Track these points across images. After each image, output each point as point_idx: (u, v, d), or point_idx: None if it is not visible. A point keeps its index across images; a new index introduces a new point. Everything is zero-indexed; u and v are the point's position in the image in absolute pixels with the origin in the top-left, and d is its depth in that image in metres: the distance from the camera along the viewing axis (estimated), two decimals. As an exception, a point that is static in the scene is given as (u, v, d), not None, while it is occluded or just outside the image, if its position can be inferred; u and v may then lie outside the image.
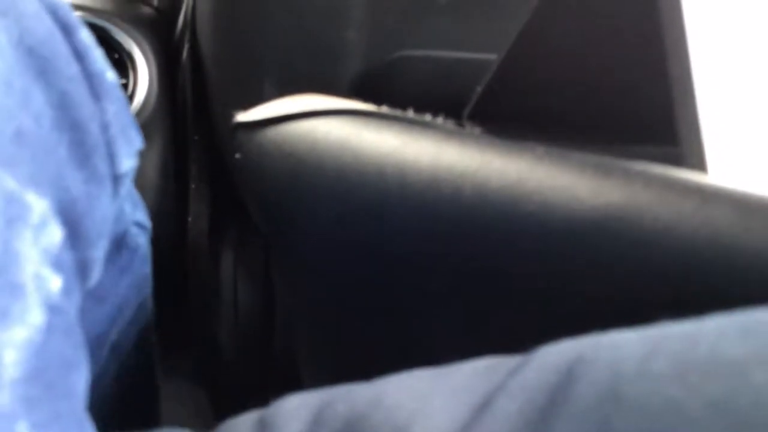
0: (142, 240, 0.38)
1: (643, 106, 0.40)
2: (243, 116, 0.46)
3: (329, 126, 0.42)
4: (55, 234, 0.25)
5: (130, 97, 0.75)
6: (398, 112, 0.42)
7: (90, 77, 0.29)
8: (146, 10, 0.78)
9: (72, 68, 0.28)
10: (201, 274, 0.78)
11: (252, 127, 0.45)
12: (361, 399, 0.28)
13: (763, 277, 0.26)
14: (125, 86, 0.75)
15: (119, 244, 0.35)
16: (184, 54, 0.74)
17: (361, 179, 0.39)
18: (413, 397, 0.27)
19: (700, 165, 0.36)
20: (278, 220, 0.45)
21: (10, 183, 0.23)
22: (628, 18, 0.40)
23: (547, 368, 0.24)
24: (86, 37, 0.30)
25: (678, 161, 0.36)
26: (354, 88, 0.65)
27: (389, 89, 0.65)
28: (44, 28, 0.28)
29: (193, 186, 0.78)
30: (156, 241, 0.79)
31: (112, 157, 0.30)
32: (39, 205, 0.24)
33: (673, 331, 0.22)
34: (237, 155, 0.46)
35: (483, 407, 0.25)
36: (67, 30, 0.29)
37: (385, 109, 0.43)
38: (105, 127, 0.30)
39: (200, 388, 0.83)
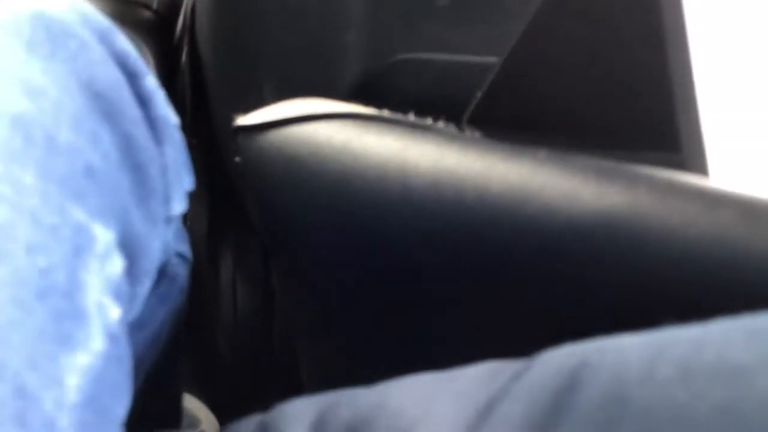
0: (181, 270, 0.39)
1: (645, 111, 0.40)
2: (243, 120, 0.46)
3: (330, 129, 0.42)
4: (117, 265, 0.26)
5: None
6: (399, 116, 0.42)
7: (153, 121, 0.31)
8: (145, 13, 0.78)
9: (135, 112, 0.30)
10: (200, 278, 0.78)
11: (252, 130, 0.45)
12: (365, 403, 0.28)
13: (768, 280, 0.26)
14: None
15: (160, 273, 0.36)
16: (183, 57, 0.74)
17: (363, 183, 0.39)
18: (417, 401, 0.27)
19: (701, 171, 0.36)
20: (278, 224, 0.45)
21: (79, 214, 0.25)
22: (630, 22, 0.40)
23: (551, 372, 0.24)
24: (151, 83, 0.32)
25: (680, 167, 0.36)
26: (353, 92, 0.65)
27: (389, 93, 0.65)
28: (110, 74, 0.30)
29: (192, 189, 0.78)
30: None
31: (167, 200, 0.32)
32: (104, 236, 0.26)
33: (678, 335, 0.22)
34: (237, 159, 0.46)
35: (487, 411, 0.25)
36: (132, 77, 0.31)
37: (386, 112, 0.43)
38: (164, 171, 0.31)
39: (199, 393, 0.83)
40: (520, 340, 0.28)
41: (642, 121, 0.40)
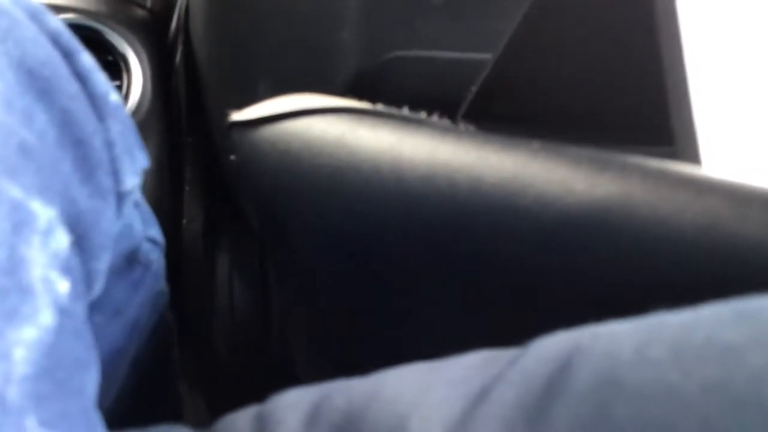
0: (155, 256, 0.39)
1: (638, 105, 0.40)
2: (238, 115, 0.46)
3: (324, 124, 0.42)
4: (62, 240, 0.26)
5: (125, 99, 0.75)
6: (393, 110, 0.42)
7: (93, 98, 0.31)
8: (140, 12, 0.78)
9: (73, 87, 0.30)
10: (196, 276, 0.78)
11: (247, 126, 0.45)
12: (359, 392, 0.28)
13: (760, 266, 0.26)
14: (119, 88, 0.75)
15: (131, 259, 0.36)
16: (178, 56, 0.74)
17: (357, 176, 0.39)
18: (411, 389, 0.27)
19: (694, 163, 0.37)
20: (274, 220, 0.45)
21: (15, 191, 0.24)
22: (623, 17, 0.40)
23: (545, 358, 0.24)
24: (87, 60, 0.31)
25: (673, 161, 0.36)
26: (348, 89, 0.65)
27: (383, 90, 0.65)
28: (43, 51, 0.29)
29: (187, 188, 0.78)
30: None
31: (116, 174, 0.32)
32: (45, 212, 0.25)
33: (669, 319, 0.22)
34: (232, 157, 0.46)
35: (481, 397, 0.25)
36: (67, 54, 0.31)
37: (380, 106, 0.43)
38: (110, 145, 0.31)
39: (197, 390, 0.83)
40: (515, 330, 0.28)
41: (635, 116, 0.40)
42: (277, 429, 0.30)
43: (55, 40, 0.30)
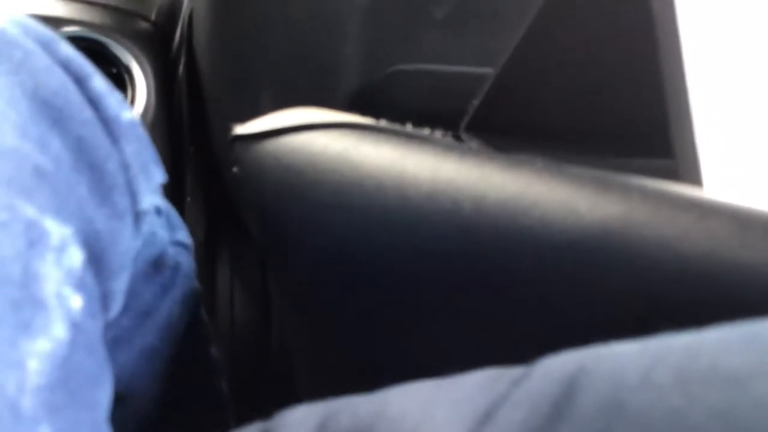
0: (183, 258, 0.39)
1: (638, 119, 0.40)
2: (241, 129, 0.46)
3: (327, 139, 0.42)
4: (76, 257, 0.27)
5: (127, 111, 0.75)
6: (397, 126, 0.42)
7: (106, 122, 0.31)
8: (144, 25, 0.79)
9: (85, 114, 0.31)
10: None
11: (250, 139, 0.45)
12: (365, 410, 0.28)
13: (763, 290, 0.26)
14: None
15: (157, 264, 0.37)
16: (181, 68, 0.74)
17: (360, 192, 0.39)
18: (417, 408, 0.27)
19: (695, 178, 0.37)
20: (276, 233, 0.45)
21: (29, 210, 0.25)
22: (624, 31, 0.41)
23: (550, 379, 0.24)
24: (100, 84, 0.32)
25: (673, 174, 0.37)
26: (351, 103, 0.65)
27: (386, 104, 0.65)
28: (56, 80, 0.30)
29: (188, 199, 0.78)
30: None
31: (132, 195, 0.32)
32: (59, 230, 0.26)
33: (674, 342, 0.23)
34: (234, 169, 0.47)
35: (486, 418, 0.25)
36: (79, 80, 0.31)
37: (383, 122, 0.43)
38: (125, 167, 0.32)
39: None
40: (518, 349, 0.28)
41: (636, 129, 0.41)
42: (282, 447, 0.30)
43: (67, 67, 0.31)
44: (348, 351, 0.45)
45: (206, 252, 0.79)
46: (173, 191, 0.80)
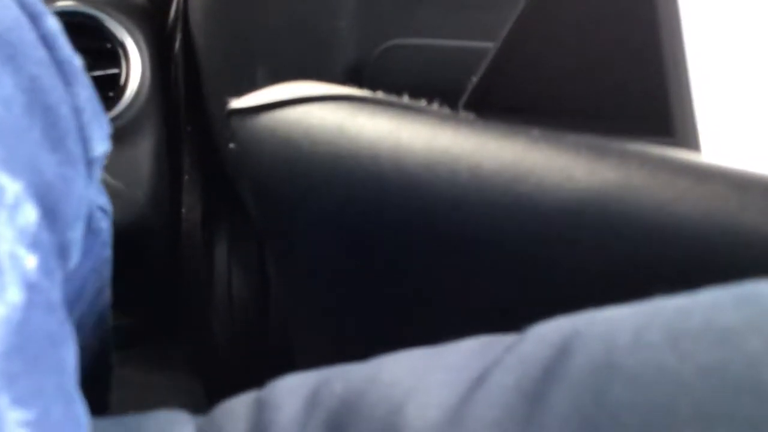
0: (104, 224, 0.38)
1: (639, 95, 0.40)
2: (237, 103, 0.46)
3: (324, 111, 0.42)
4: (30, 214, 0.25)
5: (123, 87, 0.75)
6: (393, 98, 0.42)
7: (59, 63, 0.30)
8: (139, 0, 0.78)
9: (40, 53, 0.29)
10: (195, 265, 0.79)
11: (246, 113, 0.45)
12: (357, 377, 0.28)
13: (759, 252, 0.26)
14: (118, 76, 0.75)
15: (84, 228, 0.36)
16: (177, 44, 0.74)
17: (357, 164, 0.39)
18: (409, 374, 0.27)
19: (693, 148, 0.37)
20: (273, 207, 0.45)
21: None
22: (623, 6, 0.40)
23: (543, 343, 0.24)
24: (53, 24, 0.31)
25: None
26: (346, 77, 0.65)
27: (382, 78, 0.65)
28: (10, 15, 0.28)
29: (186, 177, 0.78)
30: (150, 231, 0.79)
31: (85, 141, 0.31)
32: (12, 186, 0.25)
33: (666, 303, 0.22)
34: (231, 145, 0.46)
35: (479, 381, 0.25)
36: (33, 17, 0.30)
37: (379, 94, 0.43)
38: (78, 112, 0.30)
39: (195, 378, 0.83)
40: (514, 316, 0.28)
41: (636, 106, 0.40)
42: (276, 414, 0.30)
43: (21, 3, 0.29)
44: (346, 325, 0.45)
45: (204, 229, 0.79)
46: (171, 169, 0.80)
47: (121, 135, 0.75)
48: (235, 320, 0.79)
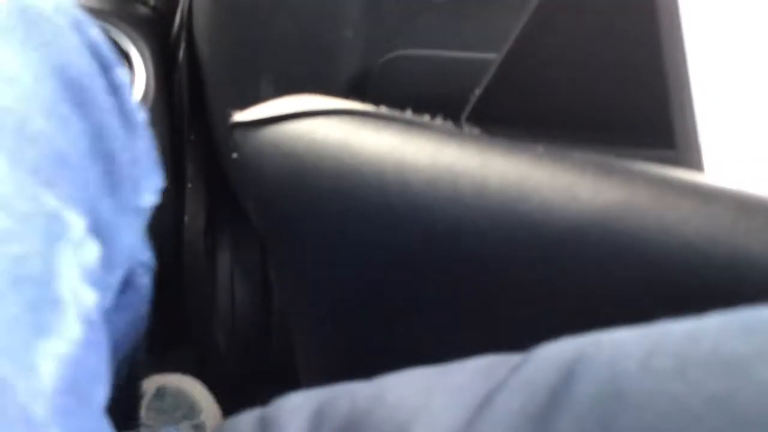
0: (145, 280, 0.38)
1: (641, 108, 0.40)
2: (240, 116, 0.46)
3: (328, 126, 0.42)
4: (93, 252, 0.26)
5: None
6: (397, 113, 0.42)
7: (124, 114, 0.31)
8: (143, 9, 0.78)
9: (107, 101, 0.30)
10: (198, 274, 0.78)
11: (250, 126, 0.45)
12: (363, 396, 0.28)
13: (765, 276, 0.26)
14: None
15: (125, 282, 0.36)
16: (181, 53, 0.74)
17: (360, 179, 0.39)
18: (415, 395, 0.27)
19: (697, 168, 0.37)
20: (276, 220, 0.45)
21: (52, 201, 0.25)
22: (626, 20, 0.40)
23: (548, 366, 0.24)
24: (122, 75, 0.31)
25: (675, 164, 0.36)
26: (351, 88, 0.65)
27: (386, 89, 0.65)
28: (84, 62, 0.29)
29: (189, 185, 0.78)
30: (153, 240, 0.79)
31: (138, 192, 0.32)
32: (78, 223, 0.25)
33: (674, 328, 0.22)
34: (234, 155, 0.46)
35: (484, 404, 0.25)
36: (104, 67, 0.30)
37: (383, 109, 0.43)
38: (135, 162, 0.31)
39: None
40: (518, 335, 0.28)
41: (638, 119, 0.40)
42: (281, 433, 0.30)
43: (95, 52, 0.30)
44: (348, 337, 0.44)
45: (206, 238, 0.79)
46: (174, 178, 0.80)
47: (124, 143, 0.74)
48: (237, 327, 0.79)
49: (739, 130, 0.37)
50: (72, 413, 0.23)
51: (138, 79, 0.75)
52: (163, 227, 0.79)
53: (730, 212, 0.28)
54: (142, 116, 0.32)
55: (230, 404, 0.76)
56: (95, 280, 0.26)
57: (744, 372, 0.20)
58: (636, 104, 0.41)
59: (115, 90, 0.31)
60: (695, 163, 0.36)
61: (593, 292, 0.31)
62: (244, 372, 0.79)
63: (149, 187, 0.33)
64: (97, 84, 0.30)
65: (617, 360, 0.22)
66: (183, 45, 0.73)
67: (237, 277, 0.79)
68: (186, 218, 0.78)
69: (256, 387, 0.78)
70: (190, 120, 0.77)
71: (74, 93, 0.28)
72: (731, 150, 0.37)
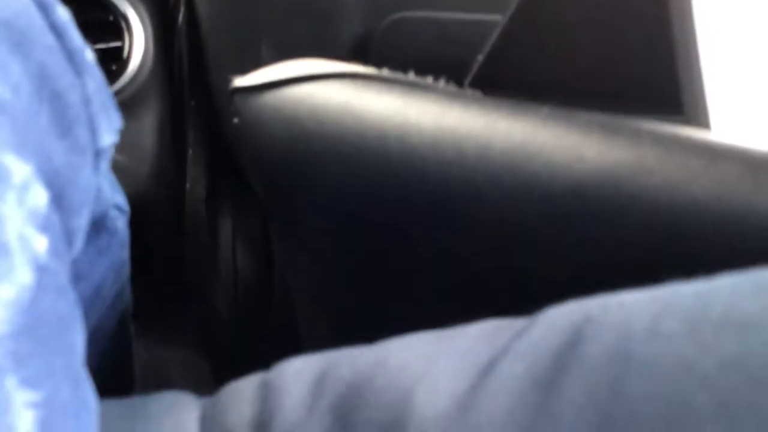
0: (120, 224, 0.38)
1: (648, 73, 0.39)
2: (241, 81, 0.45)
3: (329, 89, 0.41)
4: (41, 197, 0.25)
5: (126, 60, 0.74)
6: (399, 75, 0.41)
7: (69, 53, 0.30)
8: (141, -28, 0.77)
9: (49, 40, 0.29)
10: (199, 239, 0.78)
11: (250, 91, 0.44)
12: (365, 361, 0.28)
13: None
14: (120, 49, 0.74)
15: (98, 225, 0.36)
16: (180, 17, 0.73)
17: (363, 143, 0.38)
18: (417, 360, 0.27)
19: (703, 126, 0.36)
20: (277, 185, 0.45)
21: None
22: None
23: (554, 329, 0.24)
24: (63, 14, 0.31)
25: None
26: (353, 50, 0.64)
27: (388, 51, 0.64)
28: (18, 2, 0.28)
29: (190, 151, 0.78)
30: (154, 206, 0.79)
31: (93, 131, 0.31)
32: (21, 169, 0.25)
33: (683, 290, 0.22)
34: (235, 120, 0.46)
35: (488, 369, 0.24)
36: (43, 7, 0.30)
37: (385, 72, 0.42)
38: (87, 102, 0.31)
39: (200, 352, 0.83)
40: (522, 298, 0.27)
41: (645, 84, 0.40)
42: (282, 398, 0.29)
43: None
44: (349, 300, 0.44)
45: (208, 204, 0.79)
46: (175, 143, 0.79)
47: (123, 108, 0.74)
48: (239, 294, 0.79)
49: (747, 94, 0.37)
50: (29, 357, 0.23)
51: (137, 42, 0.74)
52: (165, 193, 0.79)
53: (737, 169, 0.27)
54: (90, 55, 0.31)
55: (231, 369, 0.76)
56: (47, 225, 0.26)
57: (757, 333, 0.19)
58: (642, 69, 0.40)
59: (57, 30, 0.30)
60: (702, 128, 0.36)
61: (599, 253, 0.30)
62: (245, 337, 0.79)
63: (106, 127, 0.32)
64: (35, 24, 0.29)
65: (625, 322, 0.22)
66: (183, 8, 0.73)
67: (238, 242, 0.79)
68: (187, 184, 0.78)
69: (258, 353, 0.79)
70: (190, 85, 0.76)
71: (11, 34, 0.27)
72: (738, 114, 0.36)
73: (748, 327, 0.19)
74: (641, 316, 0.22)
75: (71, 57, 0.30)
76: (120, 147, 0.34)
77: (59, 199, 0.27)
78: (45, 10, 0.30)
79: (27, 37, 0.28)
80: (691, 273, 0.23)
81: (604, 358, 0.21)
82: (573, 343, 0.22)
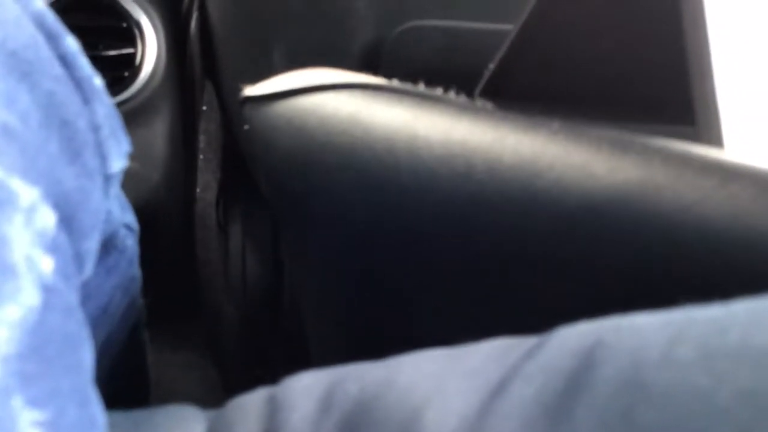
0: (130, 242, 0.39)
1: (660, 84, 0.39)
2: (251, 90, 0.45)
3: (339, 100, 0.41)
4: (48, 218, 0.26)
5: (138, 67, 0.74)
6: (409, 86, 0.41)
7: (78, 81, 0.31)
8: (154, -21, 0.78)
9: (56, 70, 0.30)
10: (209, 245, 0.78)
11: (261, 100, 0.44)
12: (373, 379, 0.28)
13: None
14: (133, 56, 0.74)
15: (107, 245, 0.36)
16: (193, 24, 0.73)
17: (372, 154, 0.38)
18: (427, 378, 0.26)
19: (716, 144, 0.36)
20: (286, 194, 0.45)
21: None
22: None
23: (565, 351, 0.23)
24: (72, 44, 0.32)
25: (694, 141, 0.36)
26: (364, 59, 0.64)
27: (400, 60, 0.64)
28: (26, 33, 0.29)
29: (201, 157, 0.78)
30: (164, 212, 0.79)
31: (103, 157, 0.32)
32: (27, 191, 0.25)
33: (698, 316, 0.21)
34: (246, 126, 0.46)
35: (499, 390, 0.24)
36: (51, 37, 0.30)
37: (395, 82, 0.42)
38: (95, 128, 0.31)
39: (208, 357, 0.83)
40: (533, 316, 0.27)
41: (656, 94, 0.39)
42: (289, 414, 0.29)
43: (39, 23, 0.30)
44: (358, 315, 0.44)
45: (218, 210, 0.79)
46: (186, 149, 0.80)
47: (135, 115, 0.74)
48: (248, 300, 0.79)
49: (760, 105, 0.36)
50: (36, 377, 0.23)
51: (149, 49, 0.74)
52: (175, 199, 0.79)
53: (751, 190, 0.27)
54: (98, 82, 0.32)
55: (239, 375, 0.76)
56: (55, 246, 0.26)
57: None
58: (655, 79, 0.40)
59: (65, 59, 0.31)
60: (715, 140, 0.36)
61: (610, 272, 0.30)
62: (254, 343, 0.79)
63: (116, 153, 0.33)
64: (43, 54, 0.29)
65: (638, 348, 0.21)
66: (195, 15, 0.73)
67: (248, 248, 0.79)
68: (198, 190, 0.78)
69: (266, 359, 0.79)
70: (202, 91, 0.76)
71: (18, 65, 0.28)
72: (752, 126, 0.36)
73: (765, 357, 0.19)
74: (655, 341, 0.21)
75: (79, 85, 0.31)
76: (131, 153, 0.35)
77: (69, 222, 0.28)
78: (53, 40, 0.30)
79: (35, 67, 0.28)
80: (704, 294, 0.23)
81: (617, 385, 0.21)
82: (584, 367, 0.22)
